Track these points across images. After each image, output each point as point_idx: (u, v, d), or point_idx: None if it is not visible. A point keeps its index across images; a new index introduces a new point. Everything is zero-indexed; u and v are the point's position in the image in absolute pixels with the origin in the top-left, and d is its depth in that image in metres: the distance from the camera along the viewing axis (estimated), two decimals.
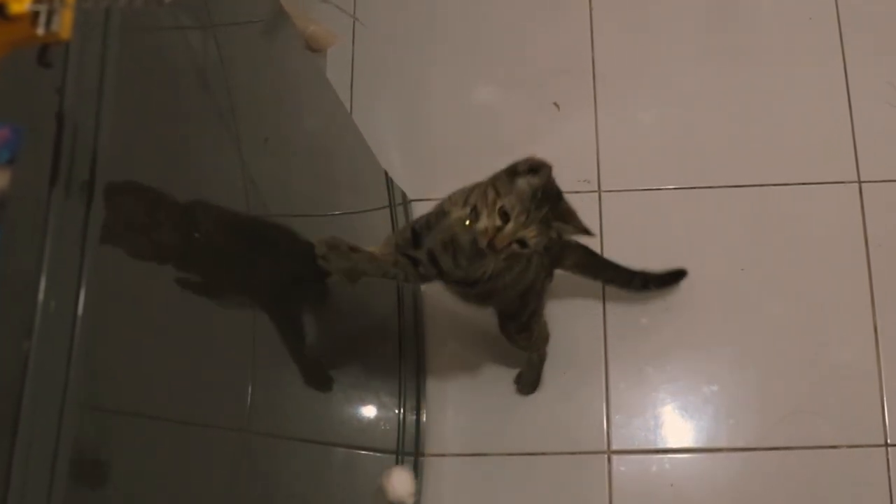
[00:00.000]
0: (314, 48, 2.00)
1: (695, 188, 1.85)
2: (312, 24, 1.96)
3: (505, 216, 1.17)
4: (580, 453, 1.71)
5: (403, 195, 1.87)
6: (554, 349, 1.70)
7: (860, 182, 1.81)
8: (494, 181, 1.21)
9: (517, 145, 1.93)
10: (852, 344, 1.73)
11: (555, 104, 1.95)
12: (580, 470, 1.70)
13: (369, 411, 1.57)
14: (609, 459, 1.70)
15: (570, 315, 1.78)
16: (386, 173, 1.79)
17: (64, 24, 0.62)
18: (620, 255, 1.80)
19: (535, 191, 1.18)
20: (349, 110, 2.00)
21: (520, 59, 2.02)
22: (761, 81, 1.92)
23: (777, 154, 1.85)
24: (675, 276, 1.74)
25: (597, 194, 1.86)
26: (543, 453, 1.71)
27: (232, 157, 1.12)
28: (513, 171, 1.21)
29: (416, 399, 1.74)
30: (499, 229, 1.17)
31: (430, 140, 1.98)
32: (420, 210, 1.90)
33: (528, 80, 1.99)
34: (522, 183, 1.19)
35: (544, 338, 1.68)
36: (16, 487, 0.65)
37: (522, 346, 1.66)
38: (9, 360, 0.66)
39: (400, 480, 1.32)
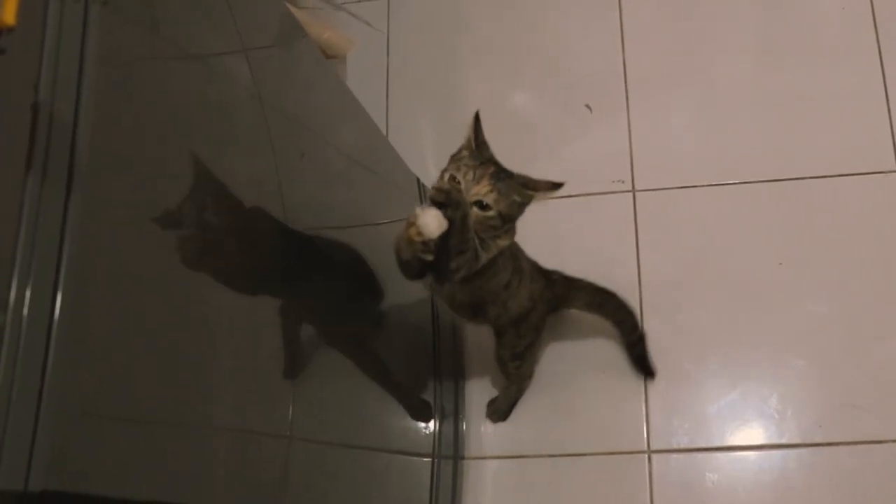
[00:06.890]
0: (331, 55, 1.99)
1: (730, 184, 1.83)
2: (327, 31, 1.95)
3: (454, 179, 1.26)
4: (620, 453, 1.70)
5: None
6: (592, 349, 1.71)
7: None
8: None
9: (551, 149, 1.94)
10: (894, 336, 1.71)
11: (587, 106, 1.96)
12: (620, 470, 1.70)
13: (406, 415, 1.58)
14: (649, 459, 1.69)
15: None
16: (418, 180, 1.80)
17: (8, 9, 0.64)
18: (656, 254, 1.80)
19: (468, 149, 1.30)
20: (385, 118, 2.02)
21: (551, 62, 2.03)
22: (794, 72, 1.90)
23: (812, 146, 1.83)
24: (646, 370, 1.73)
25: (631, 194, 1.86)
26: (583, 454, 1.71)
27: (269, 172, 1.14)
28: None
29: (455, 402, 1.75)
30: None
31: None
32: None
33: (559, 84, 1.99)
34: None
35: (529, 374, 1.72)
36: None
37: (510, 374, 1.69)
38: None
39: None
